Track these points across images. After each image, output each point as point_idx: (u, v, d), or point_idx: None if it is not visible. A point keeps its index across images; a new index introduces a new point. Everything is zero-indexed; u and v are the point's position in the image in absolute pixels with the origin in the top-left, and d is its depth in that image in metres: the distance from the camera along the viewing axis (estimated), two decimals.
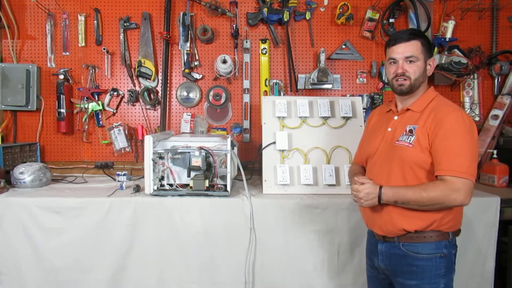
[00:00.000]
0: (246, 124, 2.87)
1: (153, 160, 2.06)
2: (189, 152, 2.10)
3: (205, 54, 2.85)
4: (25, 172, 2.30)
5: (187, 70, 2.79)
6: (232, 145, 2.13)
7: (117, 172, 2.31)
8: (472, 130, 1.39)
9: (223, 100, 2.83)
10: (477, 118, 2.85)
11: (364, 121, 2.72)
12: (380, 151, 1.57)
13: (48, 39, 2.79)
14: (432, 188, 1.36)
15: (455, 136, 1.36)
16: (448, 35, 2.80)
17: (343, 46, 2.86)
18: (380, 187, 1.45)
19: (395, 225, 1.47)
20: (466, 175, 1.34)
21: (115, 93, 2.81)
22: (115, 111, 2.83)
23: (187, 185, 2.12)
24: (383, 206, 1.48)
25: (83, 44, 2.80)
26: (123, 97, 2.84)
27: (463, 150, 1.36)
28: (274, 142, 2.26)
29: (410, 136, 1.44)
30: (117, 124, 2.76)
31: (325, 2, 2.83)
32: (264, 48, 2.81)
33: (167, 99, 2.83)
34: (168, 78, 2.82)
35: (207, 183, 2.06)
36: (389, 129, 1.55)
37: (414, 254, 1.45)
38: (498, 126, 2.79)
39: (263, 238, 2.05)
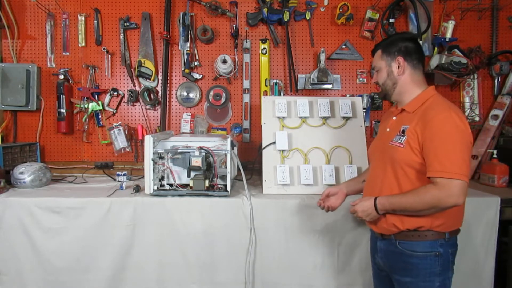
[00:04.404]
0: (246, 124, 2.87)
1: (153, 160, 2.06)
2: (189, 152, 2.10)
3: (205, 54, 2.85)
4: (25, 172, 2.30)
5: (187, 70, 2.79)
6: (232, 145, 2.12)
7: (117, 172, 2.31)
8: (463, 131, 1.37)
9: (223, 100, 2.82)
10: (477, 118, 2.85)
11: (364, 121, 2.72)
12: (378, 151, 1.63)
13: (48, 39, 2.79)
14: (424, 194, 1.37)
15: (444, 137, 1.36)
16: (448, 35, 2.80)
17: (343, 46, 2.86)
18: (375, 200, 1.49)
19: (388, 222, 1.51)
20: (457, 176, 1.32)
21: (115, 93, 2.81)
22: (115, 111, 2.83)
23: (187, 185, 2.12)
24: None
25: (83, 44, 2.80)
26: (123, 97, 2.84)
27: (453, 150, 1.35)
28: (274, 142, 2.26)
29: (402, 137, 1.47)
30: (117, 124, 2.76)
31: (325, 2, 2.83)
32: (264, 48, 2.81)
33: (167, 99, 2.83)
34: (168, 78, 2.82)
35: (207, 183, 2.06)
36: (388, 130, 1.60)
37: (409, 252, 1.48)
38: (498, 126, 2.79)
39: (263, 238, 2.05)
